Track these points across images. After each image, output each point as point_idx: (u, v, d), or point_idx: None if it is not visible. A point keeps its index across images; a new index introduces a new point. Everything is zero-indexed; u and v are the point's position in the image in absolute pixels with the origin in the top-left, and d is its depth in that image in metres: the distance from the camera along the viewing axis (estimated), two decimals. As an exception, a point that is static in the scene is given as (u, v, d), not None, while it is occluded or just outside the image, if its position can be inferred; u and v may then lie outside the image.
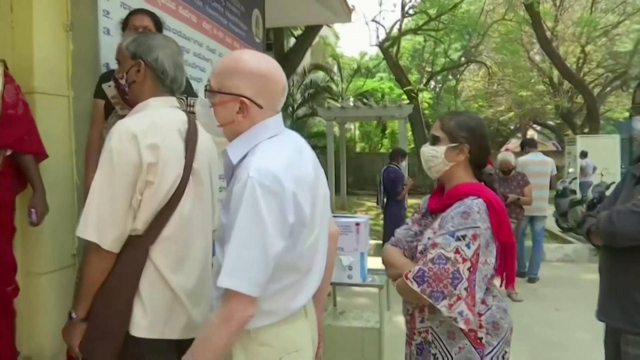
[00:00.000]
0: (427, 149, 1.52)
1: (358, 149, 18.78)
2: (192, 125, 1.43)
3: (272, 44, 9.38)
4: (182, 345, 1.36)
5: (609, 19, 16.46)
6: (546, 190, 5.25)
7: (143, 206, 1.29)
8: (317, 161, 1.26)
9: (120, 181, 1.26)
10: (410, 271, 1.36)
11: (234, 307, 1.02)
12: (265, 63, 1.16)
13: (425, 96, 16.31)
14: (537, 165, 5.17)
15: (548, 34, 14.05)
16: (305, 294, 1.18)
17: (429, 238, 1.42)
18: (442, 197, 1.50)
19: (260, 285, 1.04)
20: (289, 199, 1.05)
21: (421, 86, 15.87)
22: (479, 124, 1.52)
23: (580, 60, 16.82)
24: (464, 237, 1.36)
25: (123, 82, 1.44)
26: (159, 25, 2.11)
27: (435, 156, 1.49)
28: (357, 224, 2.47)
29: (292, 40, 10.77)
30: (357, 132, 19.97)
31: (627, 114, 23.75)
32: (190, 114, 1.48)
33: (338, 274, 2.42)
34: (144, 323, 1.29)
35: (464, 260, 1.34)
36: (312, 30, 9.19)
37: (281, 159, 1.09)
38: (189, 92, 2.10)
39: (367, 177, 14.44)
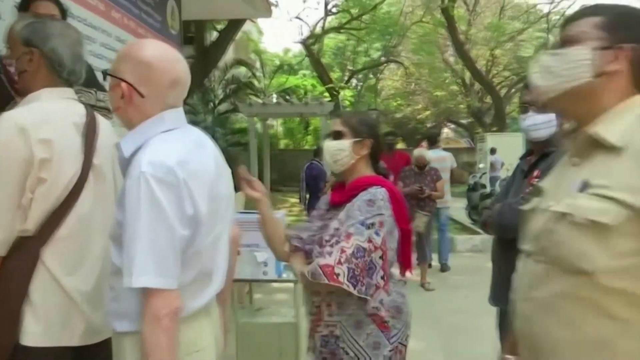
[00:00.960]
0: (333, 144, 1.56)
1: (282, 146, 18.77)
2: (91, 118, 1.35)
3: (193, 37, 9.11)
4: (83, 351, 1.29)
5: (515, 26, 17.72)
6: (448, 183, 5.62)
7: (35, 205, 1.20)
8: (222, 160, 1.25)
9: (5, 178, 1.17)
10: (338, 274, 1.37)
11: (157, 305, 0.99)
12: (158, 53, 1.13)
13: (347, 94, 16.64)
14: (438, 162, 5.48)
15: (462, 37, 14.85)
16: (207, 293, 1.16)
17: (336, 228, 1.45)
18: (344, 190, 1.54)
19: (175, 276, 1.02)
20: (184, 190, 1.03)
21: (343, 84, 16.19)
22: (376, 122, 1.63)
23: (490, 63, 17.97)
24: (372, 225, 1.41)
25: (12, 69, 1.33)
26: (64, 13, 1.96)
27: (342, 149, 1.53)
28: (273, 220, 2.46)
29: (215, 35, 10.54)
30: (281, 128, 19.96)
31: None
32: (93, 107, 1.40)
33: (253, 270, 2.42)
34: (37, 330, 1.21)
35: (376, 248, 1.41)
36: (234, 25, 9.05)
37: (175, 152, 1.06)
38: (95, 84, 1.97)
39: (292, 173, 14.46)
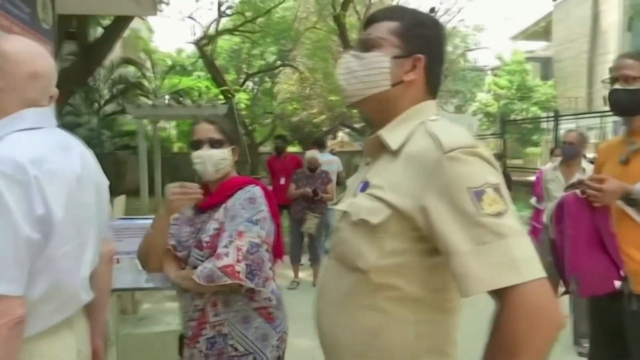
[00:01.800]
0: (215, 152, 1.58)
1: (175, 149, 18.12)
2: None
3: (75, 32, 8.48)
4: None
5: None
6: (334, 184, 5.86)
7: None
8: (94, 167, 1.21)
9: None
10: (239, 272, 1.41)
11: None
12: (15, 45, 1.08)
13: (242, 97, 16.49)
14: (326, 165, 5.67)
15: (353, 44, 15.43)
16: (67, 306, 1.10)
17: (216, 229, 1.50)
18: (215, 193, 1.57)
19: (19, 280, 0.96)
20: (34, 188, 0.98)
21: (238, 87, 16.03)
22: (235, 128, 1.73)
23: (380, 71, 18.91)
24: (258, 220, 1.49)
25: None
26: None
27: (225, 158, 1.58)
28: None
29: (100, 31, 9.89)
30: (175, 131, 19.25)
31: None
32: None
33: (135, 278, 2.32)
34: None
35: (263, 242, 1.48)
36: (121, 22, 8.55)
37: (30, 150, 1.01)
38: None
39: (185, 177, 13.93)
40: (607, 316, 2.00)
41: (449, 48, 22.46)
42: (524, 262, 0.79)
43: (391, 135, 0.96)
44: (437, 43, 1.02)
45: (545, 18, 25.60)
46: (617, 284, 1.84)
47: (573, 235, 1.91)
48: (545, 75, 25.41)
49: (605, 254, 1.87)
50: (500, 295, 0.80)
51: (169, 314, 2.91)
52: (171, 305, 4.04)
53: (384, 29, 0.98)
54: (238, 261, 1.41)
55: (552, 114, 12.07)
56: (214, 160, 1.55)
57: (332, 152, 8.97)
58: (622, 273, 1.85)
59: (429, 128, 0.91)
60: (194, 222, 1.58)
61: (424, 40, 0.98)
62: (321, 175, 5.31)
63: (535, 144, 18.33)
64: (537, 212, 4.52)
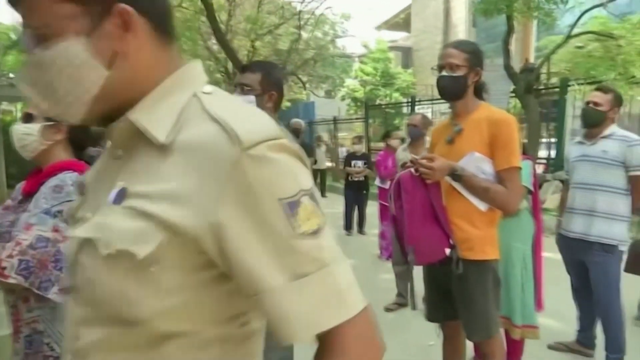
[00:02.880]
0: (19, 127, 1.45)
1: (24, 134, 16.18)
2: None
3: None
4: None
5: (273, 20, 18.85)
6: None
7: None
8: None
9: None
10: (5, 268, 1.25)
11: None
12: None
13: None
14: None
15: (222, 26, 15.08)
16: None
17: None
18: (37, 178, 1.46)
19: None
20: None
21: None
22: None
23: (251, 54, 18.74)
24: (59, 212, 1.33)
25: None
26: None
27: (29, 134, 1.43)
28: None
29: None
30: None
31: (288, 104, 27.63)
32: None
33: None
34: None
35: (65, 238, 1.31)
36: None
37: None
38: None
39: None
40: (439, 280, 2.28)
41: (319, 34, 23.05)
42: (350, 292, 0.65)
43: (150, 118, 0.67)
44: None
45: (404, 10, 27.42)
46: (448, 251, 2.09)
47: (409, 210, 2.11)
48: (406, 64, 27.36)
49: (438, 225, 2.11)
50: (324, 334, 0.64)
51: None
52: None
53: (47, 3, 0.64)
54: (10, 256, 1.25)
55: (410, 100, 13.06)
56: (18, 135, 1.41)
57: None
58: (451, 241, 2.10)
59: (211, 109, 0.66)
60: (17, 210, 1.44)
61: None
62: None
63: (397, 128, 19.72)
64: (383, 191, 4.95)
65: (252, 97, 1.91)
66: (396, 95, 24.67)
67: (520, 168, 2.10)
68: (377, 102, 22.84)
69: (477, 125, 2.10)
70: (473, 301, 2.16)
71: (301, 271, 0.62)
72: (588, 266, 3.02)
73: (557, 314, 3.64)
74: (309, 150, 6.00)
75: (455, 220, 2.13)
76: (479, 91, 2.22)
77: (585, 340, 3.28)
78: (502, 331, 2.74)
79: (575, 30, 8.68)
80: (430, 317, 2.42)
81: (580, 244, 3.00)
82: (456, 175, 2.08)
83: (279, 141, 0.64)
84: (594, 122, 2.99)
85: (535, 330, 2.81)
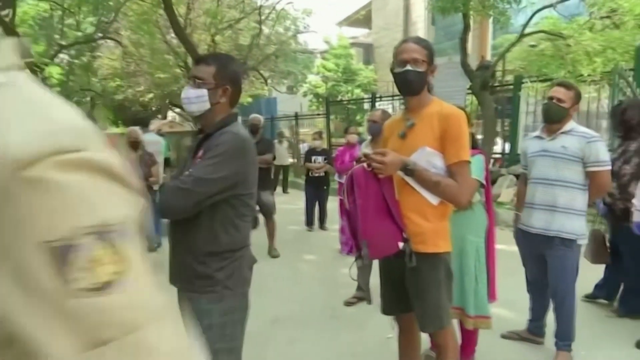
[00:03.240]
0: None
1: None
2: None
3: None
4: None
5: (233, 14, 18.59)
6: (162, 167, 5.89)
7: None
8: None
9: None
10: None
11: None
12: None
13: (53, 71, 14.70)
14: (150, 146, 5.51)
15: (181, 20, 14.76)
16: None
17: None
18: None
19: None
20: None
21: (47, 59, 14.23)
22: None
23: (211, 49, 18.44)
24: None
25: None
26: None
27: None
28: None
29: None
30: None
31: (249, 99, 27.41)
32: None
33: None
34: None
35: None
36: None
37: None
38: None
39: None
40: (393, 274, 2.30)
41: (280, 29, 22.92)
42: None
43: None
44: None
45: (365, 7, 27.61)
46: (401, 245, 2.11)
47: (362, 205, 2.13)
48: (368, 60, 27.56)
49: (391, 219, 2.12)
50: None
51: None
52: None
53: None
54: None
55: (371, 96, 13.16)
56: None
57: (160, 133, 8.57)
58: (404, 235, 2.12)
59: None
60: None
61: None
62: (145, 157, 5.07)
63: (359, 124, 19.87)
64: (342, 186, 4.96)
65: (204, 91, 1.85)
66: (358, 91, 24.85)
67: (469, 162, 2.15)
68: (339, 98, 22.92)
69: (428, 120, 2.13)
70: (425, 293, 2.20)
71: (99, 337, 0.43)
72: (547, 259, 3.08)
73: (511, 304, 3.75)
74: (268, 146, 5.94)
75: (408, 214, 2.16)
76: (429, 87, 2.25)
77: (536, 329, 3.39)
78: (456, 322, 2.81)
79: (528, 30, 8.96)
80: (386, 310, 2.45)
81: (541, 239, 3.05)
82: (408, 170, 2.10)
83: (75, 155, 0.44)
84: (556, 118, 3.01)
85: (487, 320, 2.88)
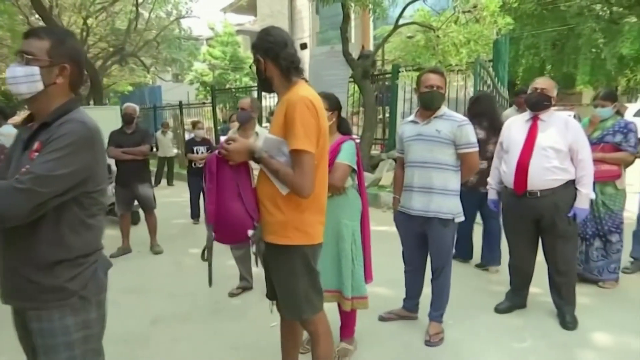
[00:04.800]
0: None
1: None
2: None
3: None
4: None
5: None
6: None
7: None
8: None
9: None
10: None
11: None
12: None
13: None
14: (7, 138, 4.96)
15: (46, 1, 13.43)
16: None
17: None
18: None
19: None
20: None
21: None
22: None
23: (84, 33, 17.00)
24: None
25: None
26: None
27: None
28: None
29: None
30: None
31: (130, 88, 25.81)
32: None
33: None
34: None
35: None
36: None
37: None
38: None
39: None
40: (265, 260, 2.28)
41: (162, 13, 21.79)
42: None
43: None
44: None
45: (250, -6, 27.21)
46: (250, 232, 2.10)
47: (211, 189, 2.12)
48: (256, 48, 27.25)
49: (243, 207, 2.10)
50: None
51: None
52: None
53: None
54: None
55: (257, 84, 13.02)
56: None
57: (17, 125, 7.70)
58: (255, 224, 2.11)
59: None
60: None
61: None
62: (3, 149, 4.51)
63: (248, 113, 19.61)
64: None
65: (36, 69, 1.57)
66: (246, 79, 24.53)
67: (306, 152, 1.99)
68: (227, 86, 22.45)
69: (281, 106, 2.09)
70: (282, 283, 2.21)
71: None
72: (428, 239, 3.24)
73: (390, 282, 3.94)
74: (145, 136, 5.60)
75: (264, 202, 2.13)
76: (288, 71, 2.15)
77: (411, 306, 3.59)
78: (335, 305, 2.88)
79: (404, 21, 9.44)
80: (268, 294, 2.44)
81: (421, 220, 3.19)
82: (255, 158, 2.09)
83: None
84: (439, 105, 3.15)
85: (365, 300, 2.99)
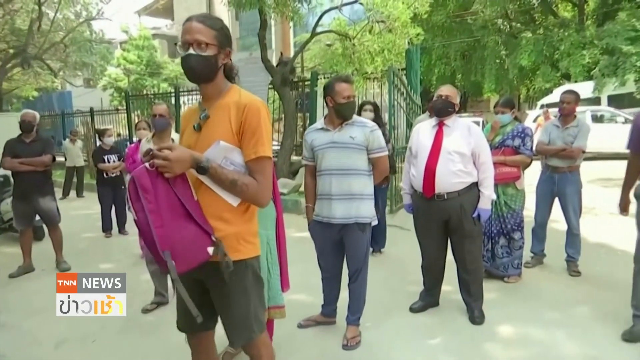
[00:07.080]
0: None
1: None
2: None
3: None
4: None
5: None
6: None
7: None
8: None
9: None
10: None
11: None
12: None
13: None
14: None
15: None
16: None
17: None
18: None
19: None
20: None
21: None
22: None
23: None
24: None
25: None
26: None
27: None
28: None
29: None
30: None
31: (35, 93, 24.09)
32: None
33: None
34: None
35: None
36: None
37: None
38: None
39: None
40: (194, 286, 2.00)
41: (70, 14, 20.53)
42: None
43: None
44: None
45: (166, -3, 26.43)
46: (211, 250, 1.83)
47: (153, 210, 1.76)
48: (174, 53, 26.48)
49: (193, 223, 1.82)
50: None
51: None
52: None
53: None
54: None
55: (174, 90, 12.62)
56: None
57: None
58: (213, 238, 1.84)
59: None
60: None
61: None
62: None
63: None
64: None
65: None
66: (164, 85, 23.73)
67: (270, 158, 1.93)
68: (145, 92, 21.58)
69: (225, 111, 1.90)
70: (233, 304, 1.98)
71: None
72: (345, 245, 3.26)
73: (308, 289, 3.94)
74: (46, 145, 5.20)
75: (209, 218, 1.88)
76: (230, 73, 2.02)
77: (329, 312, 3.62)
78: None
79: (321, 29, 9.59)
80: (180, 325, 2.20)
81: (339, 227, 3.20)
82: (200, 168, 1.83)
83: None
84: (355, 113, 3.22)
85: (282, 309, 2.96)
